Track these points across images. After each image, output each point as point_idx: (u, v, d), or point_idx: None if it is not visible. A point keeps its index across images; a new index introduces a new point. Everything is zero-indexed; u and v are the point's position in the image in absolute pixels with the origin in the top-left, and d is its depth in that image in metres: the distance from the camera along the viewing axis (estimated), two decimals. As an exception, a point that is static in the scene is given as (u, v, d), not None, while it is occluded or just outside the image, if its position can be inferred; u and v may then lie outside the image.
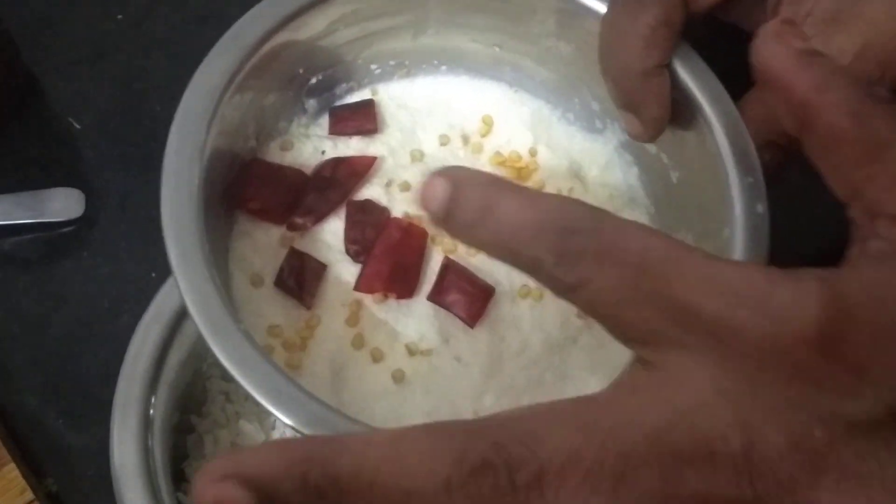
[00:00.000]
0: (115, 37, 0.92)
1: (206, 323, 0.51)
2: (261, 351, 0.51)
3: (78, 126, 0.99)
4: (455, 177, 0.43)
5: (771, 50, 0.44)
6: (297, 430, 0.49)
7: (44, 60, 1.02)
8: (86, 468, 0.80)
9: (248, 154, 0.63)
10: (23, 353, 0.86)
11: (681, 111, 0.59)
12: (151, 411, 0.67)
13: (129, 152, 0.94)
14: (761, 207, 0.56)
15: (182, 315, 0.66)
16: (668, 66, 0.58)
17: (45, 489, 0.79)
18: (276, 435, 0.74)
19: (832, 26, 0.57)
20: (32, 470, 0.79)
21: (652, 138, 0.60)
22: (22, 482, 0.76)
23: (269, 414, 0.50)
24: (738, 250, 0.55)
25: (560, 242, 0.40)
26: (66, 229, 0.92)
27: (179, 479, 0.71)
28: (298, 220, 0.62)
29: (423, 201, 0.43)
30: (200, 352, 0.70)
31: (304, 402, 0.50)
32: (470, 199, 0.42)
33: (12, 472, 0.77)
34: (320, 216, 0.62)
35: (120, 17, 1.01)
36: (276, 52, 0.61)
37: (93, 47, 1.01)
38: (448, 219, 0.42)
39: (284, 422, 0.49)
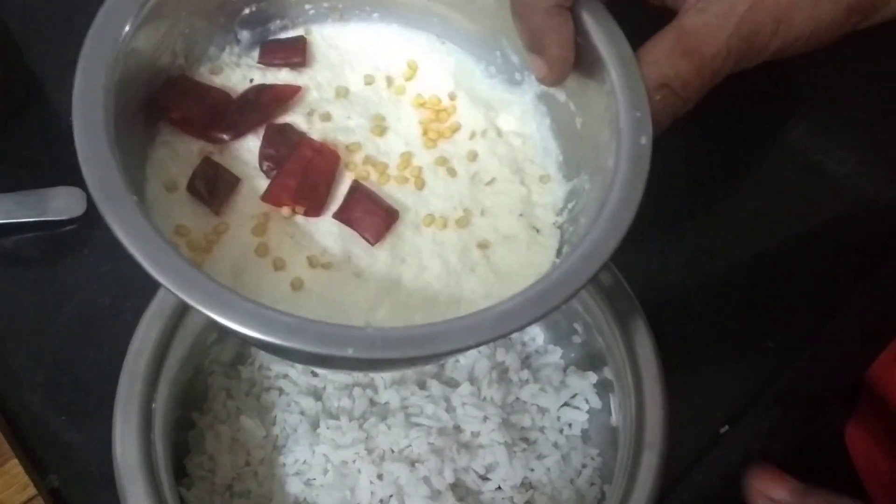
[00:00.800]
0: None
1: (100, 189, 0.54)
2: (148, 219, 0.53)
3: None
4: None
5: None
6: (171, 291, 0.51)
7: (45, 61, 1.05)
8: (88, 464, 0.82)
9: (177, 71, 0.65)
10: (25, 351, 0.88)
11: (584, 57, 0.62)
12: (153, 406, 0.70)
13: (131, 152, 0.93)
14: (645, 139, 0.58)
15: (184, 312, 0.70)
16: (572, 10, 0.61)
17: (48, 485, 0.81)
18: (276, 431, 0.77)
19: None
20: (35, 466, 0.81)
21: (556, 80, 0.63)
22: (25, 478, 0.78)
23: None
24: (620, 178, 0.57)
25: None
26: (67, 228, 0.94)
27: (181, 474, 0.74)
28: (217, 135, 0.64)
29: None
30: (202, 349, 0.73)
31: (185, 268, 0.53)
32: None
33: (15, 468, 0.79)
34: (239, 133, 0.64)
35: None
36: None
37: None
38: None
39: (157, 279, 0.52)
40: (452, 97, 0.68)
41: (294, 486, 0.76)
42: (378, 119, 0.67)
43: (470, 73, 0.70)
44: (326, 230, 0.62)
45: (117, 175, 0.54)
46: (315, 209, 0.62)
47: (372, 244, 0.61)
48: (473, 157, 0.66)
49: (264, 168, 0.63)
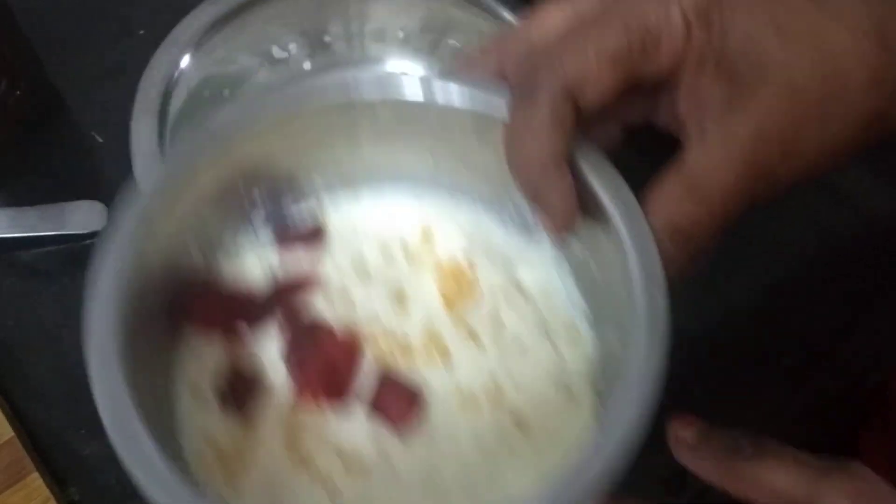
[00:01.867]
0: (137, 52, 0.93)
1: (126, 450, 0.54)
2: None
3: (100, 140, 1.03)
4: None
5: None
6: None
7: (67, 76, 1.05)
8: (107, 477, 0.81)
9: (193, 269, 0.65)
10: (45, 364, 0.88)
11: (592, 211, 0.61)
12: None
13: (151, 166, 0.94)
14: (661, 300, 0.57)
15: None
16: (571, 163, 0.60)
17: (68, 498, 0.80)
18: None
19: (728, 112, 0.58)
20: (55, 479, 0.81)
21: (564, 232, 0.61)
22: (45, 491, 0.78)
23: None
24: (640, 343, 0.57)
25: None
26: (88, 241, 0.94)
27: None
28: (240, 335, 0.64)
29: None
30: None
31: None
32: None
33: (36, 480, 0.79)
34: (261, 328, 0.64)
35: (142, 32, 1.05)
36: (231, 164, 0.65)
37: (115, 63, 1.04)
38: None
39: None
40: (470, 260, 0.68)
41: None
42: (398, 293, 0.66)
43: (485, 227, 0.70)
44: (358, 427, 0.62)
45: (136, 418, 0.56)
46: (341, 400, 0.62)
47: (403, 434, 0.61)
48: (499, 324, 0.66)
49: (289, 364, 0.63)
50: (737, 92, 0.59)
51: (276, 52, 0.99)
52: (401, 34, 0.99)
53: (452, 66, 0.67)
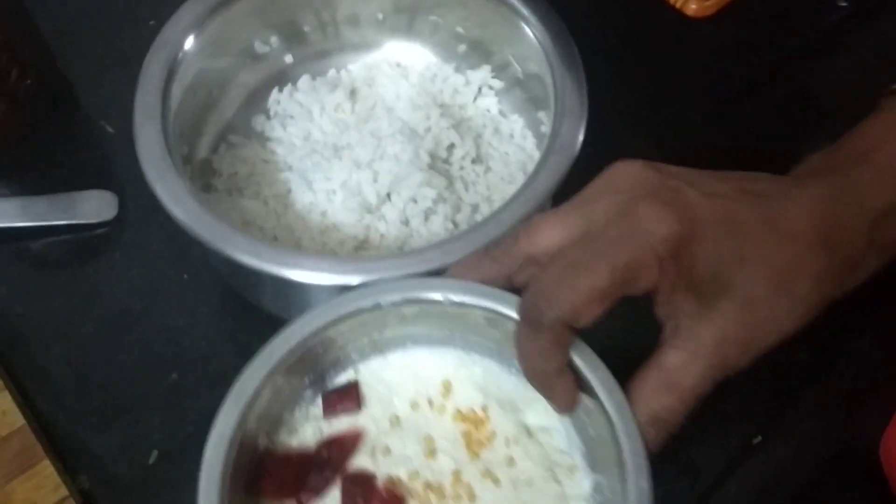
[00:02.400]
0: (146, 42, 0.93)
1: None
2: None
3: (111, 130, 1.06)
4: None
5: None
6: None
7: (77, 66, 1.09)
8: (118, 466, 0.86)
9: (263, 449, 0.79)
10: (55, 353, 0.92)
11: (585, 389, 0.75)
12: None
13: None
14: (645, 483, 0.71)
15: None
16: (570, 363, 0.74)
17: (78, 486, 0.84)
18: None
19: (696, 322, 0.72)
20: (65, 468, 0.84)
21: (567, 413, 0.77)
22: (56, 479, 0.82)
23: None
24: None
25: None
26: (98, 231, 0.99)
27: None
28: (305, 498, 0.77)
29: None
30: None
31: None
32: None
33: (47, 468, 0.83)
34: (321, 491, 0.78)
35: (152, 22, 1.05)
36: (291, 366, 0.78)
37: (125, 53, 1.06)
38: None
39: None
40: (485, 408, 0.81)
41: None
42: (428, 441, 0.79)
43: (495, 378, 0.82)
44: None
45: None
46: None
47: None
48: (511, 462, 0.79)
49: (347, 520, 0.76)
50: (704, 306, 0.72)
51: (259, 46, 1.05)
52: (380, 16, 1.07)
53: (464, 268, 0.79)
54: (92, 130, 1.05)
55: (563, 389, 0.74)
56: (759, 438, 0.89)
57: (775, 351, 0.81)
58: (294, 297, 0.88)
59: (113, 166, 1.03)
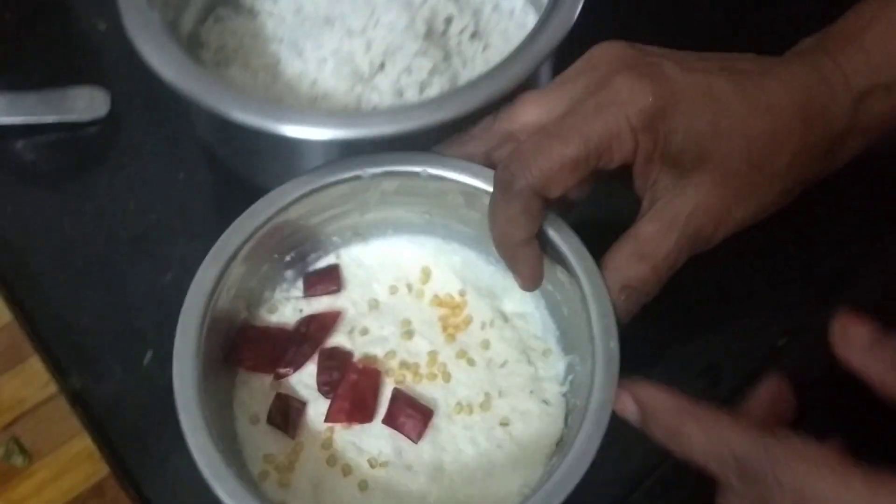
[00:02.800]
0: None
1: (210, 472, 0.69)
2: (251, 487, 0.68)
3: (102, 27, 1.04)
4: (643, 401, 0.67)
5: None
6: None
7: None
8: (109, 366, 0.85)
9: (242, 322, 0.81)
10: (46, 252, 0.90)
11: (560, 262, 0.77)
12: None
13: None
14: (613, 344, 0.73)
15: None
16: (540, 235, 0.76)
17: (70, 387, 0.83)
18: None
19: (672, 194, 0.74)
20: (56, 367, 0.84)
21: (531, 289, 0.78)
22: (45, 375, 0.82)
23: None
24: (597, 382, 0.72)
25: (739, 467, 0.60)
26: (90, 129, 0.96)
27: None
28: (282, 371, 0.80)
29: (620, 411, 0.67)
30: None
31: None
32: (660, 425, 0.65)
33: (35, 364, 0.82)
34: (299, 365, 0.80)
35: None
36: (264, 237, 0.79)
37: None
38: (645, 429, 0.65)
39: None
40: (462, 293, 0.83)
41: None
42: (405, 324, 0.81)
43: (474, 266, 0.85)
44: (379, 433, 0.76)
45: (212, 445, 0.70)
46: (367, 418, 0.78)
47: (415, 442, 0.77)
48: (487, 345, 0.81)
49: (323, 391, 0.79)
50: (680, 178, 0.73)
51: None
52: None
53: (445, 146, 0.80)
54: (82, 28, 1.02)
55: (529, 261, 0.76)
56: (785, 340, 0.87)
57: (803, 250, 0.86)
58: (284, 161, 0.87)
59: (105, 64, 1.00)
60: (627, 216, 0.75)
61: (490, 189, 0.75)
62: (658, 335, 0.85)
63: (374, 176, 0.78)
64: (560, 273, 0.77)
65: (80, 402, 0.82)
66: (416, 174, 0.80)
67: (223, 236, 0.76)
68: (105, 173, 0.94)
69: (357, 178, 0.79)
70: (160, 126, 0.95)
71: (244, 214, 0.77)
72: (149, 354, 0.86)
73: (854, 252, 0.90)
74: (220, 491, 0.68)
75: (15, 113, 0.93)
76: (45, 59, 1.00)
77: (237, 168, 0.93)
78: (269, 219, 0.78)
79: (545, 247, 0.76)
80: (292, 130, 0.77)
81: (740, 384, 0.84)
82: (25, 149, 0.95)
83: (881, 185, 0.92)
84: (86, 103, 0.94)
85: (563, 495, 0.67)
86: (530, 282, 0.77)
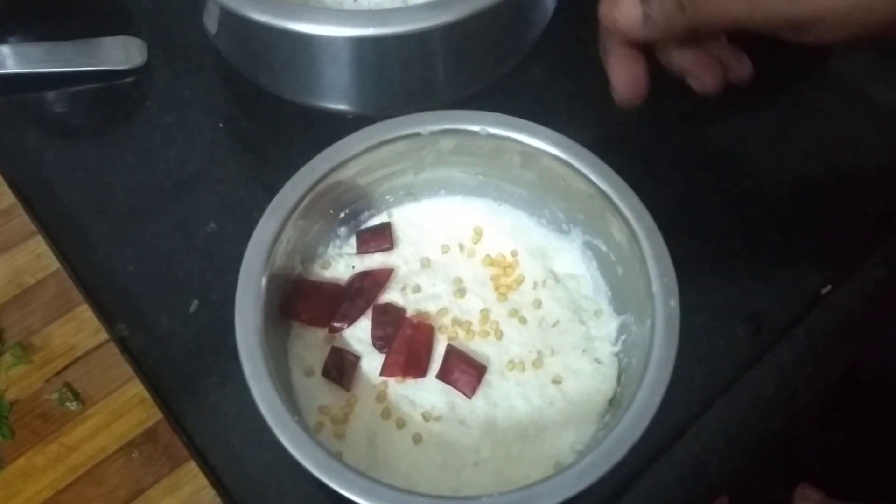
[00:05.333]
0: None
1: (272, 418, 0.69)
2: (310, 433, 0.69)
3: None
4: None
5: None
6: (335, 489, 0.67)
7: None
8: (156, 314, 0.86)
9: (297, 276, 0.82)
10: (88, 202, 0.90)
11: (619, 221, 0.77)
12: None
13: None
14: (674, 302, 0.73)
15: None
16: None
17: (118, 335, 0.83)
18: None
19: None
20: (103, 316, 0.84)
21: (626, 102, 0.79)
22: (96, 323, 0.82)
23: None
24: (658, 339, 0.73)
25: None
26: (127, 79, 0.95)
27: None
28: (337, 325, 0.81)
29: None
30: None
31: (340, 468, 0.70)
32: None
33: (85, 312, 0.82)
34: (353, 319, 0.81)
35: None
36: (322, 193, 0.80)
37: None
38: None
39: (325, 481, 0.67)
40: (514, 253, 0.84)
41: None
42: (457, 282, 0.83)
43: (525, 227, 0.86)
44: (433, 388, 0.78)
45: (280, 402, 0.71)
46: (421, 373, 0.80)
47: (469, 398, 0.79)
48: (538, 304, 0.82)
49: (377, 346, 0.80)
50: None
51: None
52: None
53: None
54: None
55: (627, 66, 0.76)
56: (829, 288, 0.87)
57: (847, 198, 0.86)
58: (311, 66, 0.88)
59: (140, 15, 1.00)
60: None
61: (547, 148, 0.78)
62: (701, 283, 0.86)
63: (433, 133, 0.79)
64: (617, 233, 0.77)
65: (127, 350, 0.82)
66: (475, 133, 0.80)
67: (282, 191, 0.77)
68: (143, 123, 0.93)
69: (416, 135, 0.79)
70: (196, 76, 0.95)
71: (303, 170, 0.78)
72: (195, 303, 0.86)
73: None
74: (283, 438, 0.69)
75: (52, 62, 0.92)
76: (80, 9, 0.99)
77: (258, 77, 0.93)
78: (327, 174, 0.78)
79: (605, 207, 0.78)
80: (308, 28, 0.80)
81: (782, 332, 0.85)
82: (63, 99, 0.95)
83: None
84: (122, 53, 0.94)
85: (624, 449, 0.69)
86: (622, 89, 0.77)
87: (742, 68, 0.78)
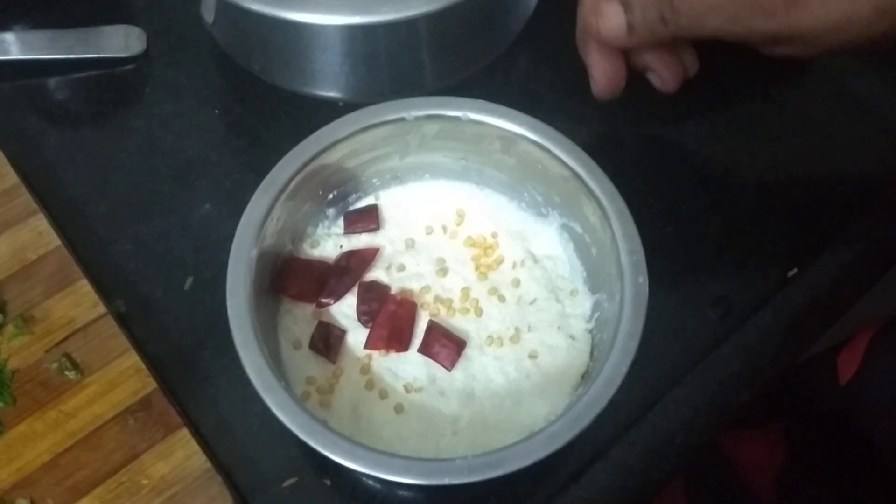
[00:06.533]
0: None
1: (261, 385, 0.71)
2: (297, 400, 0.71)
3: None
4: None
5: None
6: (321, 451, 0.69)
7: None
8: (153, 290, 0.88)
9: (287, 254, 0.85)
10: (88, 182, 0.92)
11: (592, 207, 0.81)
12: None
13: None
14: (642, 279, 0.77)
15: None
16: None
17: (115, 310, 0.85)
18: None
19: None
20: (101, 291, 0.85)
21: (604, 94, 0.85)
22: (94, 297, 0.84)
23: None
24: (626, 311, 0.77)
25: None
26: (127, 67, 0.97)
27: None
28: (324, 300, 0.84)
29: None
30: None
31: (325, 433, 0.72)
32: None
33: (84, 286, 0.84)
34: (340, 296, 0.84)
35: None
36: (310, 175, 0.83)
37: None
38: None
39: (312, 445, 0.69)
40: (494, 235, 0.88)
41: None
42: (440, 262, 0.86)
43: (505, 210, 0.89)
44: (414, 361, 0.80)
45: (268, 370, 0.73)
46: (403, 347, 0.83)
47: (449, 370, 0.82)
48: (517, 283, 0.86)
49: (362, 321, 0.84)
50: None
51: None
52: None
53: None
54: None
55: (602, 62, 0.81)
56: (795, 271, 0.89)
57: (813, 184, 0.88)
58: (303, 54, 0.91)
59: (141, 4, 1.02)
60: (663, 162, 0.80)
61: (526, 133, 0.81)
62: (671, 267, 0.89)
63: (417, 118, 0.81)
64: (591, 215, 0.80)
65: (124, 324, 0.84)
66: (458, 118, 0.83)
67: (272, 172, 0.80)
68: (142, 109, 0.95)
69: (401, 119, 0.82)
70: (193, 64, 0.97)
71: (291, 152, 0.81)
72: (189, 280, 0.89)
73: (864, 185, 0.93)
74: (271, 403, 0.72)
75: (55, 49, 0.94)
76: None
77: (252, 65, 0.96)
78: (315, 156, 0.81)
79: (579, 189, 0.81)
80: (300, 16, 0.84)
81: (750, 314, 0.87)
82: (65, 85, 0.97)
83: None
84: (122, 41, 0.96)
85: (591, 415, 0.71)
86: (599, 83, 0.82)
87: (692, 66, 0.84)
